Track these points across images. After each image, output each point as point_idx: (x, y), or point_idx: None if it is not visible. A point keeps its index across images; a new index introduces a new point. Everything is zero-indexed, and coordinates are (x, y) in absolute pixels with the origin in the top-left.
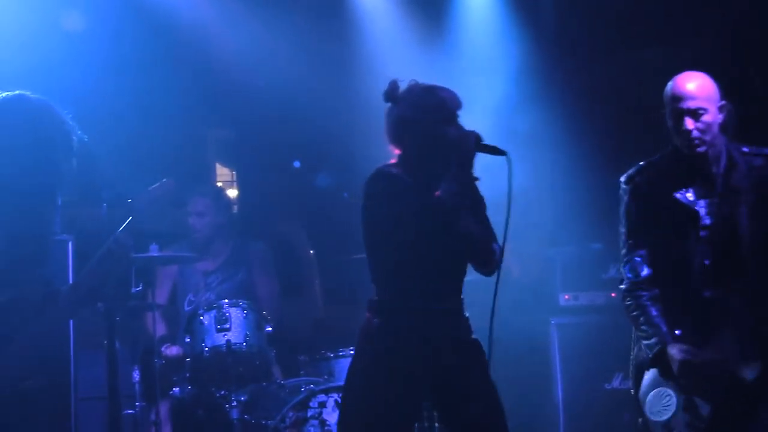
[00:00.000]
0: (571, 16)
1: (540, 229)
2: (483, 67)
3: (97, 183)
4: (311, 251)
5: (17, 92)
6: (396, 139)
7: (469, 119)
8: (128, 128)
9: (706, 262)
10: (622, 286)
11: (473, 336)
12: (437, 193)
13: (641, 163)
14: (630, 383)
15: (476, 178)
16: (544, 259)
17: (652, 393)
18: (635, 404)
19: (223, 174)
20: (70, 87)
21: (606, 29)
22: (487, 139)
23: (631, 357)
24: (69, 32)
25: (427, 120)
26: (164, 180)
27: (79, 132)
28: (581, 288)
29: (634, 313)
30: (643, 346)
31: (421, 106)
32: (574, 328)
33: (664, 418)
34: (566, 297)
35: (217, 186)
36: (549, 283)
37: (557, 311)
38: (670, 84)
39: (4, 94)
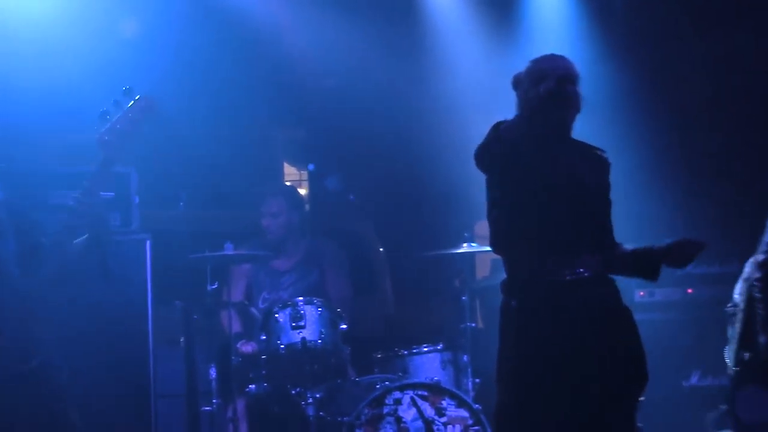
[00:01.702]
0: (641, 6)
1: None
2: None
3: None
4: (381, 249)
5: None
6: None
7: None
8: (199, 129)
9: None
10: (760, 257)
11: (621, 305)
12: None
13: None
14: (709, 380)
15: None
16: None
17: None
18: (732, 382)
19: (290, 174)
20: (140, 88)
21: (675, 18)
22: None
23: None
24: (140, 32)
25: (524, 85)
26: (138, 97)
27: None
28: (657, 284)
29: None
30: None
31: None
32: (649, 324)
33: None
34: (641, 293)
35: (289, 185)
36: (623, 279)
37: (632, 308)
38: None
39: None
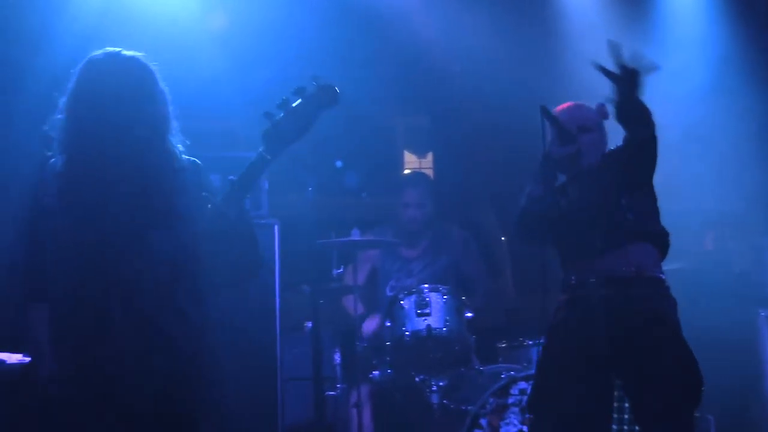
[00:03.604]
0: None
1: (751, 216)
2: (684, 51)
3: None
4: (503, 238)
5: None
6: None
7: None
8: (326, 117)
9: None
10: None
11: (661, 306)
12: None
13: None
14: None
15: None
16: (755, 247)
17: None
18: None
19: (411, 162)
20: (264, 78)
21: None
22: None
23: None
24: (268, 21)
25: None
26: (321, 84)
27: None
28: None
29: None
30: None
31: None
32: None
33: None
34: None
35: (425, 174)
36: (758, 272)
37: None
38: None
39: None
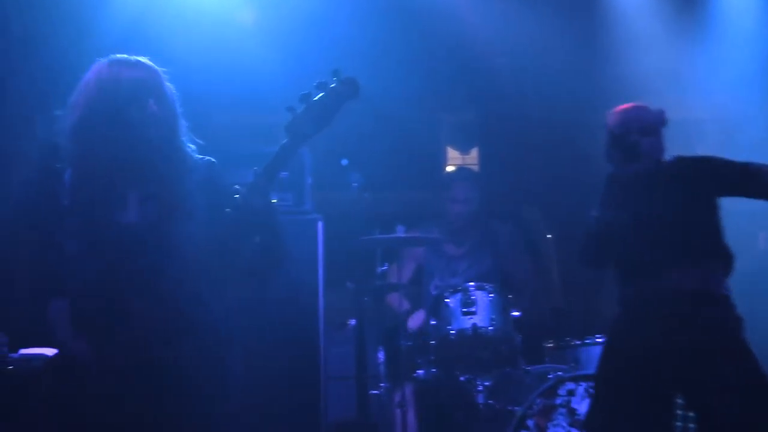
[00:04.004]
0: None
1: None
2: (734, 44)
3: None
4: (549, 236)
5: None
6: None
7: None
8: (365, 113)
9: None
10: None
11: (729, 324)
12: None
13: None
14: None
15: None
16: None
17: None
18: None
19: (454, 158)
20: (307, 71)
21: None
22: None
23: None
24: (308, 17)
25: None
26: (341, 78)
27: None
28: None
29: None
30: None
31: None
32: None
33: None
34: None
35: (473, 170)
36: None
37: None
38: None
39: None
